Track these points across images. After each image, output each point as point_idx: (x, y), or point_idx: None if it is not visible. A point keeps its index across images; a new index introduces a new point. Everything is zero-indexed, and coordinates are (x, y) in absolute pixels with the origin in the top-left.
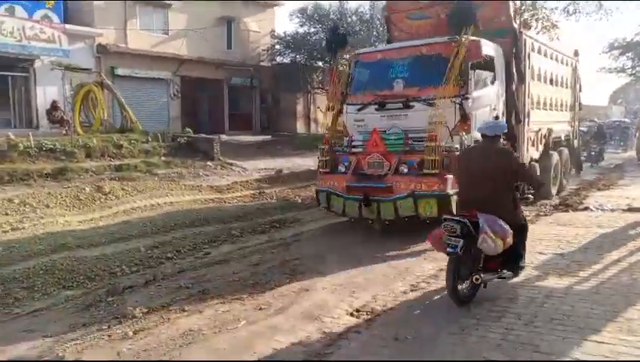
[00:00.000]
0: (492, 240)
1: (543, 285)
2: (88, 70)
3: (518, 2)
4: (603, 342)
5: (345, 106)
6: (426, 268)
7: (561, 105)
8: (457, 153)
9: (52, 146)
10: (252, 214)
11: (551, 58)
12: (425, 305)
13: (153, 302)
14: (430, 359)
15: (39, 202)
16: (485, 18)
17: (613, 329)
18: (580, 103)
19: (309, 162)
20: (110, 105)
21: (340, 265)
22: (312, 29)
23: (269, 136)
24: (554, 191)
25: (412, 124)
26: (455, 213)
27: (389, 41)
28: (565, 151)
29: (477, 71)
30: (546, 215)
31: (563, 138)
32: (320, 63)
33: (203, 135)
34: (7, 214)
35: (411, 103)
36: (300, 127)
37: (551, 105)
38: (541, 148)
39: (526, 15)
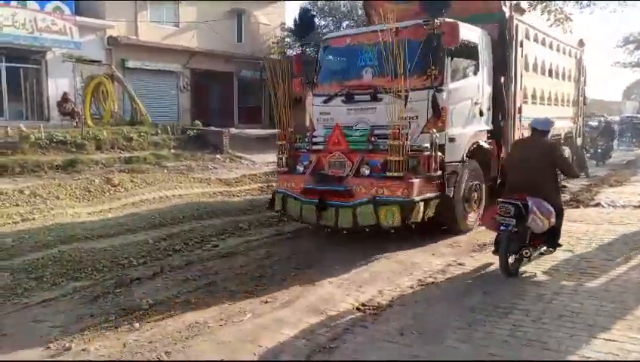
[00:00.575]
0: (540, 220)
1: (551, 281)
2: (99, 62)
3: None
4: (612, 340)
5: (311, 98)
6: (433, 264)
7: (563, 99)
8: (430, 152)
9: (63, 138)
10: (260, 207)
11: (550, 47)
12: (431, 300)
13: (160, 294)
14: (434, 359)
15: (49, 193)
16: (471, 1)
17: (622, 327)
18: (585, 98)
19: None
20: (120, 98)
21: (346, 259)
22: (323, 22)
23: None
24: None
25: (381, 119)
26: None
27: None
28: (567, 150)
29: (455, 59)
30: None
31: (564, 136)
32: None
33: (212, 128)
34: (17, 205)
35: (380, 95)
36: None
37: (550, 99)
38: None
39: None
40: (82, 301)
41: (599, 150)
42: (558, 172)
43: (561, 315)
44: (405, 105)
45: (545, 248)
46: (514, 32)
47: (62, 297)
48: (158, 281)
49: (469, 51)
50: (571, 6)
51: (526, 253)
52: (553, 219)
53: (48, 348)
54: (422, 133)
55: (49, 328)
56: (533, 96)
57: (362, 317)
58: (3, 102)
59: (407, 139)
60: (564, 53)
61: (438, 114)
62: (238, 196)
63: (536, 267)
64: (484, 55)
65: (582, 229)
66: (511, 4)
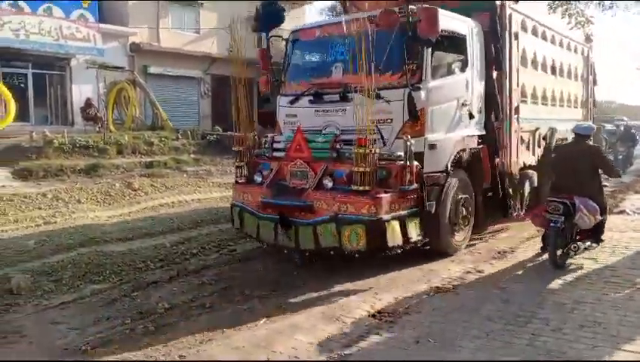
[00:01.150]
0: (587, 217)
1: (573, 290)
2: (122, 68)
3: None
4: (636, 352)
5: (277, 98)
6: (452, 271)
7: (569, 100)
8: (404, 161)
9: (85, 143)
10: None
11: (552, 42)
12: (449, 308)
13: (176, 298)
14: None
15: (71, 197)
16: None
17: None
18: (594, 100)
19: None
20: (142, 103)
21: (363, 265)
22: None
23: None
24: None
25: (351, 122)
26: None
27: None
28: None
29: (438, 53)
30: None
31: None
32: None
33: (232, 133)
34: (40, 208)
35: (350, 95)
36: None
37: (553, 99)
38: (539, 151)
39: None
40: (100, 303)
41: (620, 156)
42: (601, 172)
43: (582, 325)
44: (373, 105)
45: (589, 243)
46: (506, 22)
47: (80, 300)
48: (175, 285)
49: (456, 44)
50: (593, 8)
51: (574, 248)
52: (598, 216)
53: (66, 349)
54: (397, 138)
55: (67, 330)
56: (534, 95)
57: (377, 325)
58: (29, 108)
59: (375, 146)
60: (568, 48)
61: (414, 116)
62: None
63: (557, 275)
64: (475, 49)
65: (606, 236)
66: None
